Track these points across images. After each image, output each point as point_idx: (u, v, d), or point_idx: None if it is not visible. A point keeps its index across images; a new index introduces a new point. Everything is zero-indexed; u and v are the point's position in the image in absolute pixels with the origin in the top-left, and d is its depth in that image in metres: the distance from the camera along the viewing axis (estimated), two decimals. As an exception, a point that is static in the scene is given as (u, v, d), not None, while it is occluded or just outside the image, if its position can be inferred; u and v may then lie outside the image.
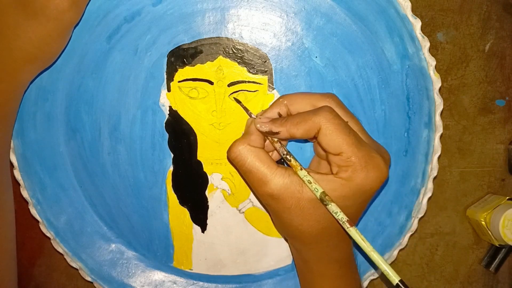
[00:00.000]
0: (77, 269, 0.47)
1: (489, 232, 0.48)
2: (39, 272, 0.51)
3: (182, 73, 0.45)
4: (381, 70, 0.45)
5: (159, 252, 0.48)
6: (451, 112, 0.50)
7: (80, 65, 0.44)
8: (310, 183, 0.37)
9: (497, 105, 0.50)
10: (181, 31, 0.44)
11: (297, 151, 0.46)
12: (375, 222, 0.47)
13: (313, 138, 0.38)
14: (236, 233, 0.47)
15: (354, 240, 0.36)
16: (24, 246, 0.50)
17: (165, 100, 0.45)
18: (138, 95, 0.45)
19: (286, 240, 0.46)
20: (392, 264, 0.48)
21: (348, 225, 0.36)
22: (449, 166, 0.51)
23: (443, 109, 0.44)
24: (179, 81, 0.45)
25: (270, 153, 0.41)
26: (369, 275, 0.48)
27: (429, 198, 0.46)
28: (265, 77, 0.45)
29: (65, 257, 0.47)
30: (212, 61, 0.44)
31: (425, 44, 0.43)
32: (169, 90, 0.45)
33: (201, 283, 0.48)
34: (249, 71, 0.45)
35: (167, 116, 0.45)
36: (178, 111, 0.45)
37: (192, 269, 0.48)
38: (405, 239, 0.47)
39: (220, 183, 0.47)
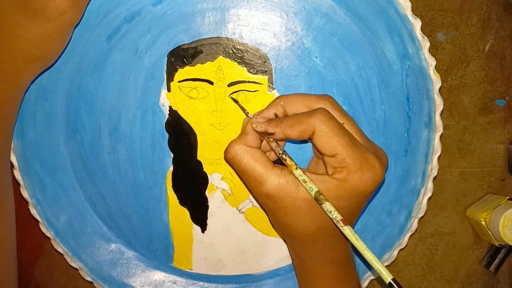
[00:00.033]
0: (77, 269, 0.48)
1: (489, 232, 0.48)
2: (39, 272, 0.51)
3: (182, 73, 0.45)
4: (381, 70, 0.45)
5: (159, 252, 0.48)
6: (451, 112, 0.50)
7: (80, 65, 0.45)
8: (305, 182, 0.37)
9: (497, 105, 0.50)
10: (181, 31, 0.44)
11: (297, 151, 0.46)
12: (375, 222, 0.47)
13: (310, 139, 0.38)
14: (236, 233, 0.47)
15: (348, 239, 0.36)
16: (24, 246, 0.50)
17: (165, 100, 0.45)
18: (138, 95, 0.45)
19: (285, 240, 0.47)
20: (392, 264, 0.48)
21: (342, 224, 0.36)
22: (449, 166, 0.51)
23: (443, 109, 0.44)
24: (179, 81, 0.45)
25: (268, 153, 0.41)
26: (369, 275, 0.48)
27: (429, 198, 0.46)
28: (265, 77, 0.45)
29: (65, 257, 0.47)
30: (212, 61, 0.44)
31: (425, 44, 0.43)
32: (169, 90, 0.45)
33: (201, 283, 0.48)
34: (249, 71, 0.45)
35: (167, 116, 0.45)
36: (178, 111, 0.45)
37: (192, 269, 0.48)
38: (405, 239, 0.47)
39: (220, 183, 0.47)
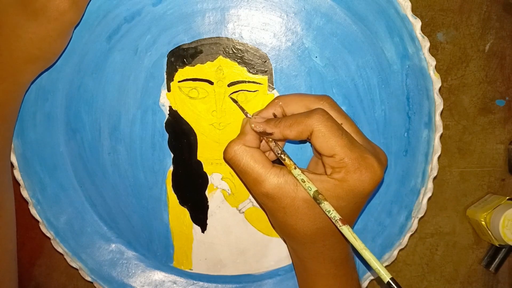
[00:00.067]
0: (77, 269, 0.48)
1: (489, 232, 0.48)
2: (39, 272, 0.51)
3: (182, 73, 0.45)
4: (381, 70, 0.45)
5: (159, 252, 0.48)
6: (451, 112, 0.50)
7: (80, 65, 0.45)
8: (304, 182, 0.37)
9: (497, 105, 0.50)
10: (181, 31, 0.44)
11: (297, 151, 0.46)
12: (375, 222, 0.47)
13: (308, 140, 0.38)
14: (236, 233, 0.47)
15: (346, 238, 0.36)
16: (24, 246, 0.50)
17: (165, 100, 0.45)
18: (138, 95, 0.45)
19: (284, 240, 0.46)
20: (392, 264, 0.48)
21: (341, 223, 0.36)
22: (449, 166, 0.51)
23: (443, 109, 0.44)
24: (179, 81, 0.45)
25: (267, 153, 0.41)
26: (369, 275, 0.48)
27: (429, 198, 0.46)
28: (265, 77, 0.45)
29: (65, 257, 0.47)
30: (212, 61, 0.44)
31: (425, 44, 0.43)
32: (169, 90, 0.45)
33: (201, 283, 0.48)
34: (249, 71, 0.45)
35: (167, 116, 0.45)
36: (178, 111, 0.45)
37: (192, 269, 0.48)
38: (405, 239, 0.47)
39: (220, 183, 0.47)
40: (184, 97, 0.45)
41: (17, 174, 0.45)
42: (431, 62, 0.43)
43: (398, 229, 0.47)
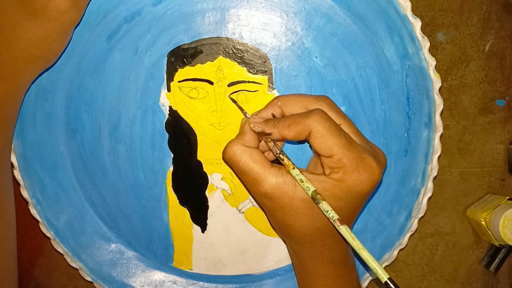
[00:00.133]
0: (77, 269, 0.48)
1: (489, 232, 0.48)
2: (39, 272, 0.51)
3: (182, 73, 0.45)
4: (381, 70, 0.45)
5: (159, 252, 0.48)
6: (451, 112, 0.50)
7: (80, 65, 0.45)
8: (302, 182, 0.37)
9: (497, 105, 0.50)
10: (181, 31, 0.44)
11: (297, 151, 0.46)
12: (375, 222, 0.47)
13: (307, 140, 0.38)
14: (236, 233, 0.47)
15: (345, 238, 0.36)
16: (24, 246, 0.50)
17: (165, 100, 0.45)
18: (138, 95, 0.45)
19: (284, 240, 0.47)
20: (392, 264, 0.48)
21: (339, 223, 0.36)
22: (449, 166, 0.51)
23: (443, 109, 0.44)
24: (179, 81, 0.45)
25: (266, 153, 0.41)
26: (369, 276, 0.48)
27: (429, 198, 0.46)
28: (265, 77, 0.45)
29: (65, 257, 0.47)
30: (212, 61, 0.44)
31: (425, 44, 0.43)
32: (169, 90, 0.45)
33: (201, 283, 0.48)
34: (249, 71, 0.45)
35: (167, 116, 0.45)
36: (178, 111, 0.45)
37: (192, 269, 0.48)
38: (405, 239, 0.47)
39: (220, 183, 0.47)
40: (184, 97, 0.45)
41: (17, 174, 0.45)
42: (431, 62, 0.43)
43: (398, 229, 0.47)
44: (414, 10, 0.43)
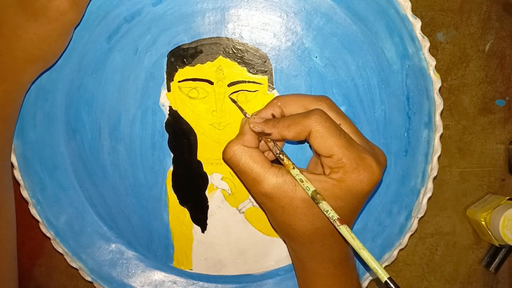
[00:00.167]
0: (77, 269, 0.48)
1: (489, 232, 0.48)
2: (39, 272, 0.51)
3: (182, 73, 0.45)
4: (381, 70, 0.45)
5: (159, 252, 0.48)
6: (451, 112, 0.50)
7: (80, 65, 0.45)
8: (302, 181, 0.37)
9: (497, 105, 0.50)
10: (181, 31, 0.44)
11: (297, 151, 0.46)
12: (375, 222, 0.47)
13: (307, 140, 0.38)
14: (236, 233, 0.47)
15: (345, 238, 0.36)
16: (24, 246, 0.50)
17: (165, 100, 0.45)
18: (138, 95, 0.45)
19: (284, 240, 0.47)
20: (392, 264, 0.48)
21: (339, 223, 0.36)
22: (449, 166, 0.51)
23: (443, 109, 0.44)
24: (179, 81, 0.45)
25: (266, 153, 0.41)
26: (370, 275, 0.48)
27: (429, 198, 0.46)
28: (265, 77, 0.45)
29: (65, 257, 0.47)
30: (212, 61, 0.44)
31: (425, 44, 0.43)
32: (169, 90, 0.45)
33: (201, 283, 0.48)
34: (249, 71, 0.45)
35: (167, 116, 0.45)
36: (178, 111, 0.45)
37: (192, 269, 0.48)
38: (405, 239, 0.47)
39: (220, 183, 0.47)
40: (184, 97, 0.45)
41: (17, 174, 0.45)
42: (431, 62, 0.43)
43: (398, 229, 0.47)
44: (414, 10, 0.43)
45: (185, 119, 0.45)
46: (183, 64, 0.44)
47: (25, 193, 0.46)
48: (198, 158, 0.46)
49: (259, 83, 0.45)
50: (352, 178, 0.36)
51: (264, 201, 0.39)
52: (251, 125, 0.39)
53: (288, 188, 0.37)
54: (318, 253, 0.40)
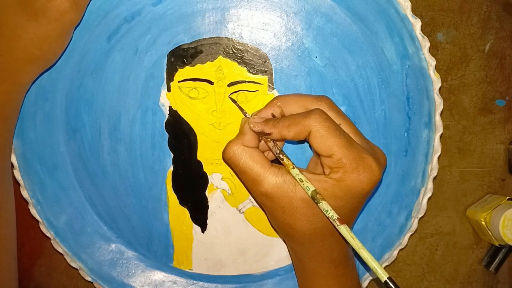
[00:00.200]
0: (77, 269, 0.48)
1: (489, 232, 0.48)
2: (39, 272, 0.51)
3: (182, 73, 0.45)
4: (381, 70, 0.45)
5: (159, 252, 0.48)
6: (451, 112, 0.50)
7: (80, 65, 0.45)
8: (302, 181, 0.37)
9: (497, 105, 0.50)
10: (181, 31, 0.44)
11: (297, 151, 0.46)
12: (375, 222, 0.47)
13: (307, 140, 0.38)
14: (236, 233, 0.47)
15: (344, 237, 0.36)
16: (24, 246, 0.50)
17: (165, 100, 0.45)
18: (138, 95, 0.45)
19: (284, 240, 0.47)
20: (392, 264, 0.48)
21: (338, 223, 0.36)
22: (449, 166, 0.51)
23: (443, 109, 0.44)
24: (179, 81, 0.45)
25: (266, 152, 0.41)
26: (369, 275, 0.48)
27: (429, 198, 0.46)
28: (265, 77, 0.45)
29: (65, 257, 0.47)
30: (212, 61, 0.44)
31: (425, 44, 0.43)
32: (169, 90, 0.45)
33: (201, 283, 0.48)
34: (249, 71, 0.45)
35: (167, 116, 0.45)
36: (178, 111, 0.45)
37: (192, 269, 0.48)
38: (405, 239, 0.47)
39: (220, 183, 0.47)
40: (184, 97, 0.45)
41: (17, 174, 0.45)
42: (431, 62, 0.43)
43: (398, 229, 0.47)
44: (414, 10, 0.43)
45: (185, 119, 0.45)
46: (183, 64, 0.44)
47: (25, 193, 0.46)
48: (198, 158, 0.46)
49: (259, 83, 0.45)
50: (352, 178, 0.36)
51: (264, 201, 0.39)
52: (251, 125, 0.39)
53: (288, 188, 0.37)
54: (318, 253, 0.40)
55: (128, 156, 0.46)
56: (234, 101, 0.44)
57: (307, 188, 0.37)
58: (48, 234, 0.47)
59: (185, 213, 0.47)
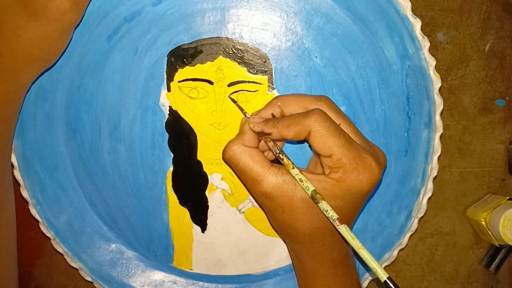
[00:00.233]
0: (77, 269, 0.48)
1: (489, 232, 0.48)
2: (39, 272, 0.51)
3: (182, 73, 0.45)
4: (381, 70, 0.45)
5: (159, 252, 0.48)
6: (451, 112, 0.50)
7: (80, 65, 0.45)
8: (302, 181, 0.37)
9: (497, 105, 0.50)
10: (181, 31, 0.44)
11: (297, 151, 0.46)
12: (375, 222, 0.47)
13: (306, 140, 0.38)
14: (236, 233, 0.47)
15: (344, 237, 0.36)
16: (24, 246, 0.50)
17: (165, 100, 0.45)
18: (138, 95, 0.45)
19: (284, 240, 0.47)
20: (392, 264, 0.48)
21: (338, 223, 0.36)
22: (449, 166, 0.51)
23: (443, 109, 0.44)
24: (179, 81, 0.45)
25: (266, 152, 0.41)
26: (369, 275, 0.48)
27: (429, 198, 0.46)
28: (265, 77, 0.45)
29: (65, 257, 0.47)
30: (212, 61, 0.44)
31: (425, 44, 0.43)
32: (169, 90, 0.45)
33: (201, 283, 0.48)
34: (249, 71, 0.45)
35: (167, 116, 0.45)
36: (178, 111, 0.45)
37: (192, 269, 0.48)
38: (405, 239, 0.47)
39: (220, 183, 0.47)
40: (184, 97, 0.45)
41: (17, 174, 0.45)
42: (431, 62, 0.43)
43: (398, 229, 0.47)
44: (414, 10, 0.43)
45: (185, 119, 0.45)
46: (183, 64, 0.44)
47: (25, 193, 0.46)
48: (198, 158, 0.46)
49: (259, 83, 0.45)
50: (351, 178, 0.36)
51: (264, 200, 0.39)
52: (251, 125, 0.39)
53: (288, 188, 0.37)
54: (318, 253, 0.40)
55: (128, 156, 0.46)
56: (234, 101, 0.44)
57: (307, 188, 0.37)
58: (48, 234, 0.47)
59: (185, 213, 0.47)
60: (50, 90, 0.45)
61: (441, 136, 0.45)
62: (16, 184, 0.46)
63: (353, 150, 0.37)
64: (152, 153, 0.46)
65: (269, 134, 0.39)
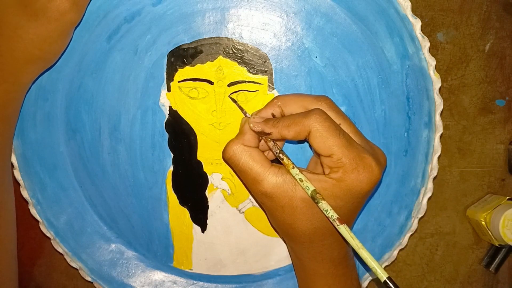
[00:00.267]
0: (77, 269, 0.48)
1: (489, 232, 0.48)
2: (39, 272, 0.51)
3: (182, 73, 0.45)
4: (381, 70, 0.45)
5: (159, 252, 0.48)
6: (451, 112, 0.50)
7: (80, 65, 0.45)
8: (302, 181, 0.37)
9: (497, 105, 0.50)
10: (181, 31, 0.44)
11: (297, 151, 0.46)
12: (375, 222, 0.47)
13: (306, 140, 0.38)
14: (236, 233, 0.47)
15: (344, 237, 0.36)
16: (24, 246, 0.50)
17: (165, 100, 0.45)
18: (138, 95, 0.45)
19: (284, 240, 0.47)
20: (392, 264, 0.48)
21: (338, 223, 0.36)
22: (449, 166, 0.51)
23: (443, 109, 0.44)
24: (179, 81, 0.45)
25: (266, 152, 0.41)
26: (369, 275, 0.48)
27: (429, 198, 0.46)
28: (265, 77, 0.45)
29: (65, 257, 0.47)
30: (212, 61, 0.44)
31: (425, 44, 0.43)
32: (169, 90, 0.45)
33: (201, 283, 0.48)
34: (249, 71, 0.45)
35: (167, 116, 0.45)
36: (178, 111, 0.45)
37: (192, 269, 0.48)
38: (405, 239, 0.47)
39: (220, 183, 0.47)
40: (184, 97, 0.45)
41: (17, 174, 0.45)
42: (431, 62, 0.43)
43: (398, 229, 0.47)
44: (414, 10, 0.44)
45: (185, 119, 0.45)
46: (183, 64, 0.44)
47: (25, 193, 0.46)
48: (198, 158, 0.46)
49: (259, 83, 0.45)
50: (351, 177, 0.37)
51: (264, 200, 0.39)
52: (251, 125, 0.39)
53: (288, 188, 0.37)
54: (318, 253, 0.40)
55: (128, 156, 0.46)
56: (234, 101, 0.44)
57: (307, 187, 0.37)
58: (48, 234, 0.47)
59: (185, 213, 0.47)
60: (50, 90, 0.45)
61: (441, 136, 0.45)
62: (16, 184, 0.46)
63: (353, 150, 0.37)
64: (152, 153, 0.46)
65: (269, 134, 0.39)
